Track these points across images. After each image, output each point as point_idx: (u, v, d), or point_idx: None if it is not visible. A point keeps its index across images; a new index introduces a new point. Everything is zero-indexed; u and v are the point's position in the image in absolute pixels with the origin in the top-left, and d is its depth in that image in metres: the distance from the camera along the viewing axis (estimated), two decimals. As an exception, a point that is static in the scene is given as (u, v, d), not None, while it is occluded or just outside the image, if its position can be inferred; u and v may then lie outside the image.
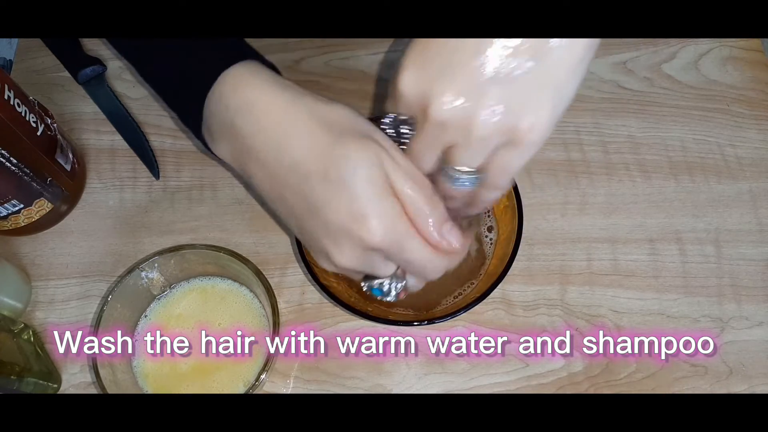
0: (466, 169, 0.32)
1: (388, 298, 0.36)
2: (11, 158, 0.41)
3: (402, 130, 0.33)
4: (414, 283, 0.36)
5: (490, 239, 0.45)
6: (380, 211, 0.30)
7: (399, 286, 0.36)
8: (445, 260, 0.33)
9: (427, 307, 0.44)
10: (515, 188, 0.42)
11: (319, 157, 0.31)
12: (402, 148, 0.33)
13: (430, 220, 0.32)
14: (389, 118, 0.33)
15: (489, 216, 0.46)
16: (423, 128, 0.31)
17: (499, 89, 0.29)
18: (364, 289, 0.37)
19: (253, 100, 0.33)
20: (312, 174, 0.31)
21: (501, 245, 0.43)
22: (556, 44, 0.29)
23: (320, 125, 0.32)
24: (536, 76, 0.29)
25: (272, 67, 0.38)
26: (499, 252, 0.43)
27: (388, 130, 0.33)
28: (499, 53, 0.29)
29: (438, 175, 0.33)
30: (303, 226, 0.34)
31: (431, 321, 0.40)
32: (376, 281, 0.36)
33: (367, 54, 0.56)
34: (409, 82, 0.30)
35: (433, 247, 0.32)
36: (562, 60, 0.30)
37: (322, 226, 0.32)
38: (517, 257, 0.40)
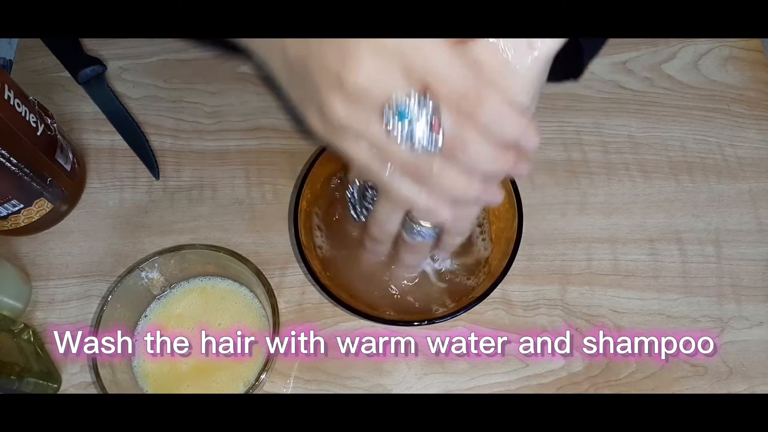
0: (426, 224, 0.33)
1: (428, 239, 0.34)
2: (11, 158, 0.41)
3: (368, 194, 0.35)
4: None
5: (490, 239, 0.45)
6: (373, 42, 0.28)
7: (430, 229, 0.33)
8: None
9: (427, 306, 0.44)
10: (515, 188, 0.42)
11: None
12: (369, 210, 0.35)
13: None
14: (354, 186, 0.35)
15: (486, 218, 0.46)
16: (384, 194, 0.31)
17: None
18: (405, 232, 0.34)
19: None
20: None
21: (501, 245, 0.43)
22: None
23: None
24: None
25: None
26: (499, 252, 0.43)
27: (354, 199, 0.36)
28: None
29: (401, 231, 0.34)
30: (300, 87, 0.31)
31: (431, 321, 0.40)
32: (412, 225, 0.33)
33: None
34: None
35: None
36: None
37: (314, 77, 0.29)
38: (517, 257, 0.40)
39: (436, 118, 0.28)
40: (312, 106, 0.30)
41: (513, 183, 0.42)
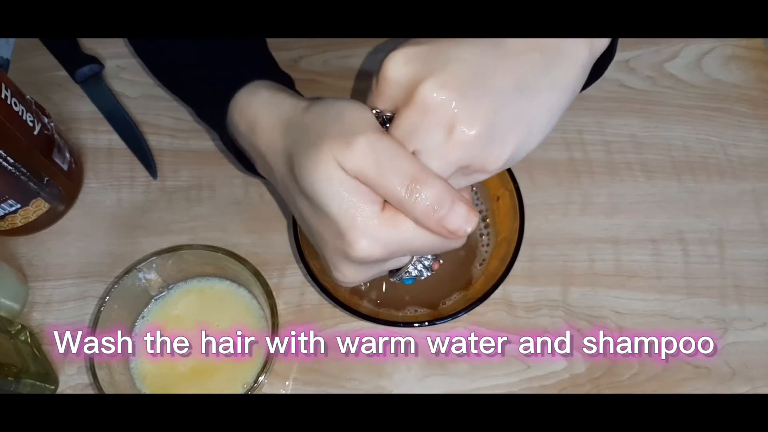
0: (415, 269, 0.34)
1: (423, 277, 0.34)
2: (8, 158, 0.41)
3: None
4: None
5: (492, 239, 0.45)
6: (360, 225, 0.28)
7: (427, 263, 0.34)
8: (458, 238, 0.30)
9: (431, 305, 0.43)
10: (517, 188, 0.42)
11: (294, 177, 0.30)
12: None
13: (425, 204, 0.28)
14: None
15: (487, 218, 0.45)
16: (402, 114, 0.29)
17: (489, 102, 0.28)
18: (394, 281, 0.35)
19: (255, 120, 0.34)
20: (296, 193, 0.31)
21: (502, 245, 0.43)
22: (547, 85, 0.29)
23: (288, 140, 0.31)
24: (522, 107, 0.29)
25: (288, 80, 0.39)
26: (500, 252, 0.43)
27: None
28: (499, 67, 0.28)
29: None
30: (313, 242, 0.33)
31: (432, 322, 0.39)
32: (402, 272, 0.34)
33: (366, 52, 0.56)
34: (399, 66, 0.29)
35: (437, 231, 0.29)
36: (548, 100, 0.30)
37: (321, 245, 0.32)
38: (518, 258, 0.40)
39: (435, 263, 0.34)
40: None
41: (515, 183, 0.42)
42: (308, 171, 0.29)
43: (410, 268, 0.34)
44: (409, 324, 0.40)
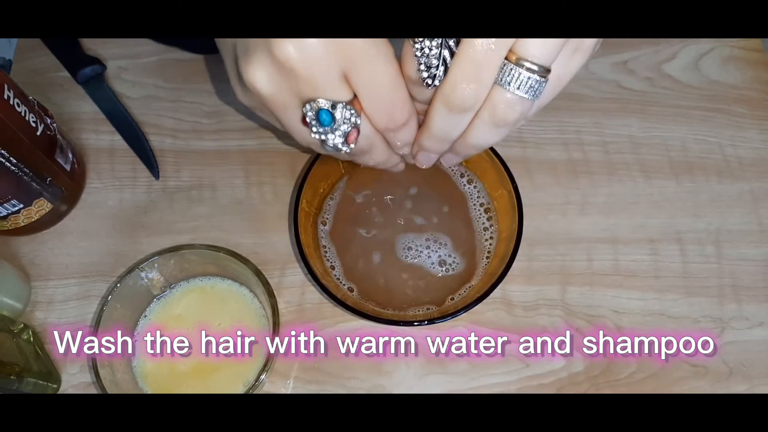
0: (533, 66, 0.28)
1: (334, 137, 0.30)
2: (11, 158, 0.41)
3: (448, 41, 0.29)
4: (367, 129, 0.31)
5: (491, 238, 0.45)
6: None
7: (350, 116, 0.29)
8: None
9: (437, 302, 0.44)
10: (515, 188, 0.42)
11: None
12: None
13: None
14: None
15: (490, 216, 0.46)
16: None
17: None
18: (308, 117, 0.30)
19: None
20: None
21: (501, 244, 0.43)
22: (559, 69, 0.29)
23: None
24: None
25: None
26: (499, 251, 0.43)
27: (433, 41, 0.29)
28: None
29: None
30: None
31: (432, 321, 0.40)
32: (322, 101, 0.29)
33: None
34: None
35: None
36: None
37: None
38: (517, 257, 0.40)
39: (353, 132, 0.30)
40: (238, 70, 0.30)
41: (513, 183, 0.42)
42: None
43: (336, 108, 0.29)
44: (408, 323, 0.40)
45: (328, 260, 0.45)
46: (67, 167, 0.48)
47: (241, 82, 0.30)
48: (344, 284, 0.44)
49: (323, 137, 0.30)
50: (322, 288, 0.40)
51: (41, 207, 0.46)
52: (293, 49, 0.27)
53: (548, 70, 0.28)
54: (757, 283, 0.47)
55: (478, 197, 0.46)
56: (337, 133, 0.30)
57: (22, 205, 0.44)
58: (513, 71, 0.27)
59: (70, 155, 0.48)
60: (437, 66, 0.28)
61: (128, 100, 0.54)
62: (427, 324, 0.40)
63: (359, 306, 0.40)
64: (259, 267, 0.42)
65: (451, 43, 0.28)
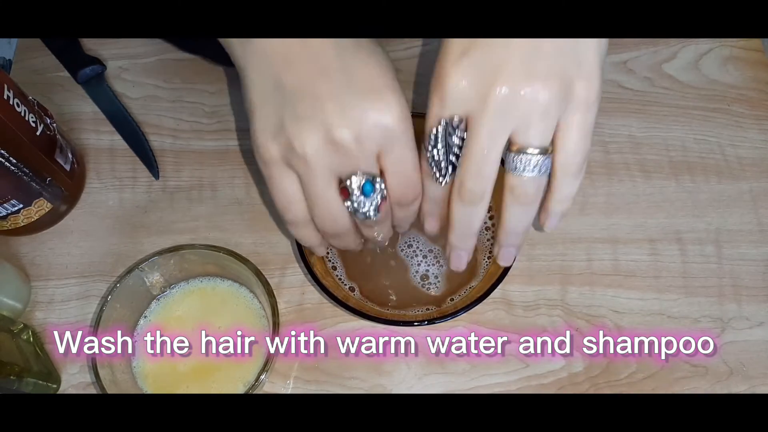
0: (534, 150, 0.32)
1: (370, 205, 0.34)
2: (10, 158, 0.41)
3: (453, 142, 0.33)
4: (397, 196, 0.35)
5: (492, 238, 0.45)
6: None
7: (382, 188, 0.34)
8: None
9: (437, 302, 0.44)
10: None
11: None
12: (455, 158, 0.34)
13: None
14: (440, 126, 0.32)
15: (491, 215, 0.46)
16: (483, 119, 0.31)
17: (548, 63, 0.31)
18: (350, 188, 0.33)
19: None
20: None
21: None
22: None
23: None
24: (575, 51, 0.31)
25: None
26: None
27: (438, 144, 0.33)
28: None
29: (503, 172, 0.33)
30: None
31: (432, 321, 0.40)
32: (361, 175, 0.33)
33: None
34: (461, 78, 0.31)
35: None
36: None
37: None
38: (517, 257, 0.40)
39: (384, 202, 0.34)
40: (276, 127, 0.33)
41: None
42: None
43: (358, 199, 0.34)
44: (408, 323, 0.40)
45: (329, 260, 0.45)
46: (67, 167, 0.48)
47: (277, 137, 0.33)
48: (346, 284, 0.44)
49: (358, 206, 0.34)
50: (323, 289, 0.40)
51: (41, 207, 0.46)
52: (349, 133, 0.31)
53: (548, 150, 0.32)
54: (757, 282, 0.47)
55: None
56: (373, 202, 0.34)
57: (21, 205, 0.44)
58: (517, 159, 0.32)
59: (70, 155, 0.48)
60: (446, 168, 0.34)
61: (128, 100, 0.54)
62: (427, 324, 0.40)
63: (359, 306, 0.40)
64: (259, 267, 0.42)
65: (456, 150, 0.33)
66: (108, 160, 0.52)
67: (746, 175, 0.51)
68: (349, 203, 0.34)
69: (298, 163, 0.33)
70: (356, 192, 0.33)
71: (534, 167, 0.32)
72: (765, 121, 0.53)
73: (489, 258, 0.44)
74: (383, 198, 0.34)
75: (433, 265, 0.45)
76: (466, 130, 0.32)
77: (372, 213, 0.34)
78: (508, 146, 0.32)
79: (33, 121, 0.43)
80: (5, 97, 0.40)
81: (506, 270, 0.40)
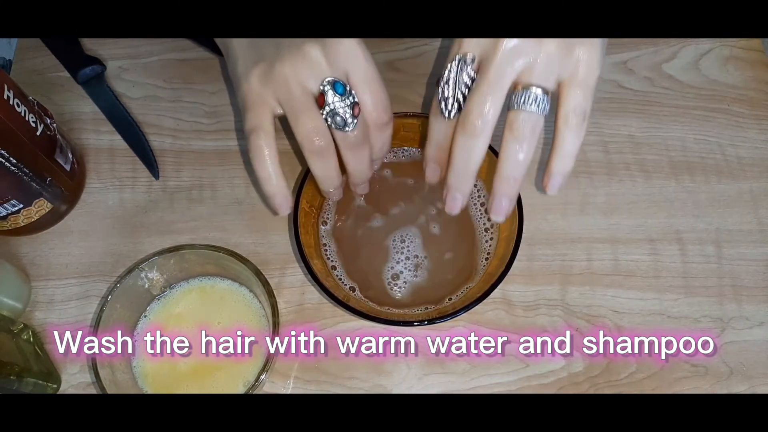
0: (536, 88, 0.34)
1: (344, 107, 0.37)
2: (11, 158, 0.41)
3: (463, 79, 0.35)
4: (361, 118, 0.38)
5: (491, 239, 0.45)
6: None
7: (350, 90, 0.37)
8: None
9: (436, 301, 0.44)
10: None
11: None
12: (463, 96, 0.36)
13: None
14: (454, 62, 0.35)
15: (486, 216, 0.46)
16: (494, 60, 0.34)
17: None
18: (324, 88, 0.37)
19: None
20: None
21: (501, 245, 0.43)
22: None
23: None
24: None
25: None
26: (499, 252, 0.43)
27: (450, 80, 0.36)
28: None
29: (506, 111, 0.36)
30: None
31: (431, 321, 0.40)
32: (325, 111, 0.37)
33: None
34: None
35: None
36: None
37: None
38: (517, 257, 0.40)
39: (356, 107, 0.37)
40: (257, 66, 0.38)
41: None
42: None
43: (334, 106, 0.37)
44: (409, 323, 0.40)
45: (329, 260, 0.45)
46: (67, 167, 0.48)
47: (265, 75, 0.37)
48: (346, 284, 0.44)
49: (334, 107, 0.36)
50: (323, 289, 0.40)
51: (41, 207, 0.46)
52: (318, 49, 0.36)
53: (548, 91, 0.35)
54: (757, 282, 0.47)
55: (478, 197, 0.46)
56: (346, 102, 0.37)
57: (22, 205, 0.44)
58: (519, 95, 0.34)
59: (70, 155, 0.48)
60: (453, 104, 0.36)
61: (128, 100, 0.54)
62: (426, 324, 0.40)
63: (360, 306, 0.40)
64: (259, 267, 0.42)
65: (464, 88, 0.36)
66: (108, 160, 0.52)
67: (746, 175, 0.51)
68: (326, 107, 0.37)
69: (278, 87, 0.37)
70: (329, 92, 0.36)
71: (533, 102, 0.34)
72: (765, 121, 0.53)
73: (487, 258, 0.44)
74: (356, 102, 0.37)
75: (410, 270, 0.45)
76: (477, 70, 0.35)
77: (348, 116, 0.37)
78: (513, 87, 0.35)
79: (33, 121, 0.43)
80: (5, 97, 0.40)
81: (506, 270, 0.40)
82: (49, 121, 0.46)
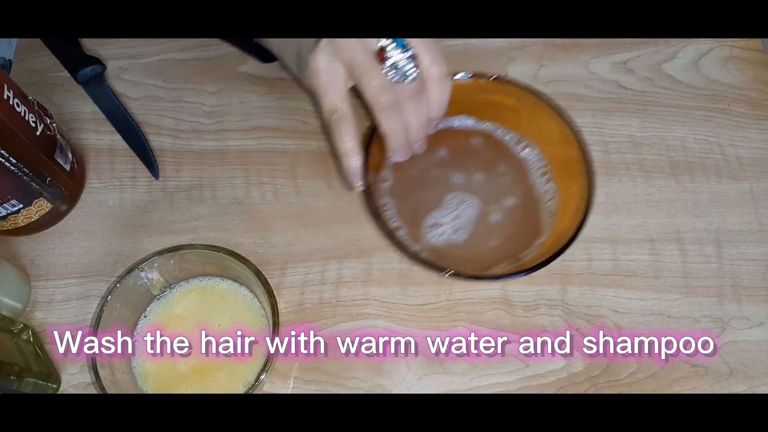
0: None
1: (406, 59, 0.39)
2: (10, 158, 0.41)
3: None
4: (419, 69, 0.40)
5: (555, 194, 0.47)
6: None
7: (409, 44, 0.39)
8: None
9: (513, 258, 0.45)
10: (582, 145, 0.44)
11: None
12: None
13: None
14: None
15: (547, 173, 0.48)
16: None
17: None
18: (385, 44, 0.39)
19: None
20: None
21: (568, 213, 0.45)
22: None
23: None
24: None
25: None
26: (569, 209, 0.45)
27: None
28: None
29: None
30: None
31: (520, 273, 0.41)
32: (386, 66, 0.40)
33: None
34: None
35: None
36: None
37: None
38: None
39: (416, 60, 0.40)
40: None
41: (579, 140, 0.44)
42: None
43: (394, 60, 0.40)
44: (492, 277, 0.42)
45: (392, 221, 0.46)
46: (67, 167, 0.48)
47: (329, 48, 0.40)
48: (412, 247, 0.45)
49: (396, 60, 0.39)
50: (400, 247, 0.41)
51: (41, 207, 0.46)
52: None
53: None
54: (757, 282, 0.47)
55: (537, 161, 0.48)
56: (406, 55, 0.39)
57: (21, 205, 0.44)
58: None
59: (70, 155, 0.48)
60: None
61: (128, 100, 0.54)
62: (522, 275, 0.40)
63: (444, 262, 0.41)
64: (259, 267, 0.42)
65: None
66: (108, 160, 0.52)
67: (746, 175, 0.51)
68: (387, 61, 0.39)
69: (344, 55, 0.40)
70: (390, 46, 0.39)
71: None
72: (765, 121, 0.53)
73: (550, 218, 0.46)
74: (415, 55, 0.40)
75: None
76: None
77: (409, 68, 0.40)
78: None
79: (33, 121, 0.43)
80: (5, 97, 0.40)
81: (576, 233, 0.42)
82: (49, 121, 0.46)
